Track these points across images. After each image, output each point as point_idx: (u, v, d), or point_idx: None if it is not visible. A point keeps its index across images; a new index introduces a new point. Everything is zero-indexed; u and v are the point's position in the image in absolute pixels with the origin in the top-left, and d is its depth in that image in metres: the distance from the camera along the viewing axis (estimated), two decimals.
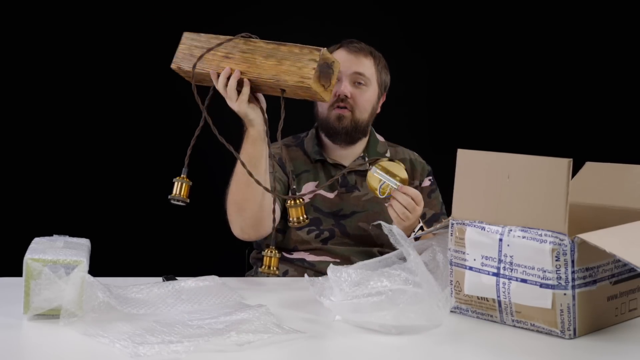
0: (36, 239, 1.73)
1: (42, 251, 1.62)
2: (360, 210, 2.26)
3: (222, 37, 1.95)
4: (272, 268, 1.89)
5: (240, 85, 1.90)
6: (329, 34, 2.33)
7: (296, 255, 2.23)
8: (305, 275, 1.74)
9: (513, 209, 1.61)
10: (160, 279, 1.94)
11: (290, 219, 1.91)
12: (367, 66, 2.27)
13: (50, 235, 1.79)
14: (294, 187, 2.19)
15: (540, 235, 1.56)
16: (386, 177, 1.96)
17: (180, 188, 2.03)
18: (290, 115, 1.93)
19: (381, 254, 1.97)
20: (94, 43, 3.23)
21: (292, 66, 1.87)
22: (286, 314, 1.69)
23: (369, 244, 2.24)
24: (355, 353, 1.50)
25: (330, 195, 2.27)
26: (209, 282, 1.83)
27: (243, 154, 1.97)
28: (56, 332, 1.54)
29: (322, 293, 1.66)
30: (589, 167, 1.90)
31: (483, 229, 1.64)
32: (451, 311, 1.67)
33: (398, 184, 1.95)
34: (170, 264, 2.49)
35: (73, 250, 1.65)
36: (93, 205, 3.25)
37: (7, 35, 3.18)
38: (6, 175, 3.20)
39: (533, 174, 1.59)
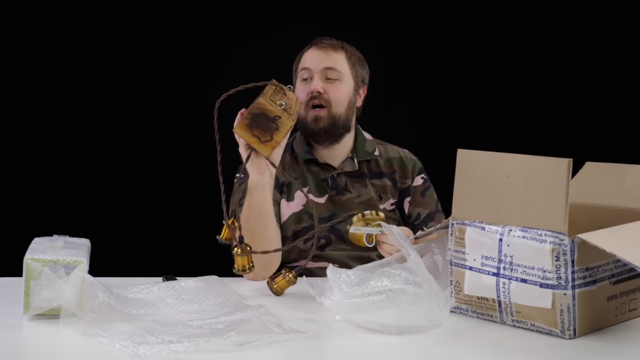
0: (36, 239, 1.73)
1: (42, 251, 1.62)
2: (355, 214, 2.25)
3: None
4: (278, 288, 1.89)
5: None
6: (327, 35, 2.32)
7: (295, 263, 2.22)
8: (304, 277, 1.74)
9: (513, 209, 1.61)
10: (160, 279, 1.94)
11: (235, 267, 1.88)
12: (337, 60, 2.25)
13: (50, 235, 1.79)
14: (284, 196, 2.20)
15: (540, 235, 1.56)
16: (367, 228, 1.91)
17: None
18: None
19: (379, 257, 1.97)
20: (94, 43, 3.23)
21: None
22: (286, 314, 1.69)
23: (366, 248, 2.23)
24: (355, 353, 1.50)
25: (321, 200, 2.25)
26: (209, 282, 1.83)
27: (245, 203, 2.01)
28: (56, 332, 1.54)
29: (322, 293, 1.66)
30: (589, 167, 1.90)
31: (483, 229, 1.64)
32: (451, 311, 1.67)
33: (381, 229, 1.90)
34: (170, 264, 2.49)
35: (73, 250, 1.65)
36: (93, 205, 3.25)
37: (7, 35, 3.18)
38: (6, 175, 3.20)
39: (533, 174, 1.59)
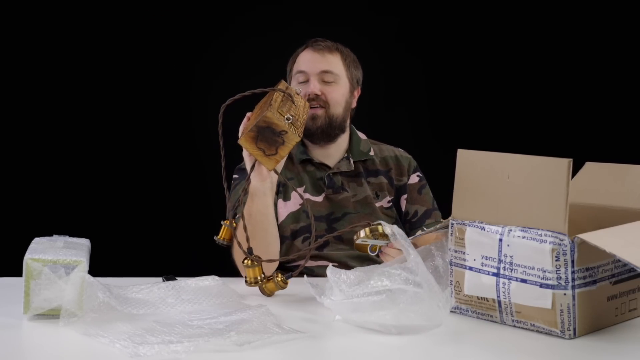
0: (36, 239, 1.73)
1: (42, 251, 1.62)
2: (352, 212, 2.25)
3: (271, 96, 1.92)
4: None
5: None
6: (327, 36, 2.33)
7: (293, 264, 2.23)
8: (305, 276, 1.74)
9: (513, 209, 1.61)
10: (160, 279, 1.94)
11: (247, 279, 1.88)
12: (334, 63, 2.26)
13: (50, 235, 1.79)
14: (280, 197, 2.20)
15: (540, 235, 1.56)
16: (372, 241, 1.92)
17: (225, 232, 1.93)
18: None
19: (379, 257, 1.97)
20: (94, 44, 3.23)
21: (254, 120, 1.87)
22: (286, 314, 1.69)
23: None
24: (355, 353, 1.50)
25: (318, 199, 2.26)
26: (209, 282, 1.83)
27: (245, 208, 2.00)
28: (56, 332, 1.54)
29: (322, 293, 1.66)
30: (589, 167, 1.90)
31: (483, 229, 1.64)
32: (451, 311, 1.67)
33: (387, 241, 1.90)
34: (170, 264, 2.50)
35: (73, 250, 1.65)
36: (93, 205, 3.25)
37: (7, 35, 3.18)
38: (6, 175, 3.20)
39: (533, 174, 1.59)
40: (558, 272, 1.54)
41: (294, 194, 2.23)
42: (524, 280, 1.58)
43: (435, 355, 1.50)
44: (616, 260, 1.60)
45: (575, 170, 1.81)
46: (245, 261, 1.87)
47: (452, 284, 1.71)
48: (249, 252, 1.87)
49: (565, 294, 1.54)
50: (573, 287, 1.54)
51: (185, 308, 1.69)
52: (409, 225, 2.29)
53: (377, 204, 2.27)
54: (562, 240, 1.53)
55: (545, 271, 1.55)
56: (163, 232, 3.28)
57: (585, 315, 1.56)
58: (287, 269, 2.18)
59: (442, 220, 2.27)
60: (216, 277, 1.85)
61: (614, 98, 3.41)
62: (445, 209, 2.33)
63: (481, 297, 1.66)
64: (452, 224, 1.70)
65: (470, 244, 1.66)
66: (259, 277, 1.86)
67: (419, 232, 1.91)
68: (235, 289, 1.82)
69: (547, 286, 1.55)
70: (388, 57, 3.37)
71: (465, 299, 1.69)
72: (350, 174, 2.29)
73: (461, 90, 3.43)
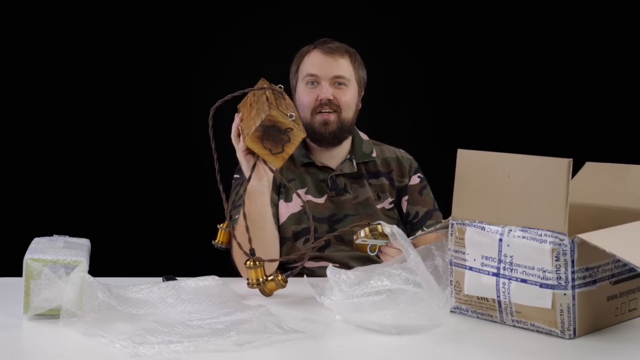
0: (36, 239, 1.73)
1: (42, 251, 1.62)
2: (353, 214, 2.25)
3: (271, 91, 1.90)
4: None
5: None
6: (327, 36, 2.32)
7: (293, 264, 2.22)
8: (305, 277, 1.74)
9: (513, 209, 1.61)
10: (160, 279, 1.94)
11: (249, 281, 1.87)
12: (344, 67, 2.24)
13: (50, 235, 1.79)
14: (282, 199, 2.20)
15: (540, 235, 1.56)
16: (372, 240, 1.92)
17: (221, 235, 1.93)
18: None
19: (378, 256, 1.97)
20: (94, 44, 3.23)
21: (252, 120, 1.87)
22: (286, 314, 1.69)
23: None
24: (355, 353, 1.50)
25: (320, 200, 2.25)
26: (209, 282, 1.83)
27: (244, 208, 1.98)
28: (56, 332, 1.54)
29: (322, 293, 1.66)
30: (589, 167, 1.90)
31: (483, 229, 1.64)
32: (451, 311, 1.67)
33: (387, 241, 1.91)
34: (170, 264, 2.49)
35: (73, 250, 1.65)
36: (93, 205, 3.25)
37: (7, 35, 3.18)
38: (6, 175, 3.20)
39: (533, 174, 1.59)
40: (558, 272, 1.54)
41: (295, 195, 2.23)
42: (524, 280, 1.58)
43: (435, 355, 1.50)
44: (616, 260, 1.60)
45: (575, 170, 1.81)
46: (248, 262, 1.87)
47: (452, 284, 1.71)
48: (251, 253, 1.86)
49: (565, 294, 1.54)
50: (573, 287, 1.54)
51: (185, 308, 1.69)
52: (410, 226, 2.29)
53: (379, 206, 2.27)
54: (562, 240, 1.53)
55: (545, 271, 1.55)
56: (163, 232, 3.27)
57: (585, 315, 1.56)
58: (288, 269, 2.18)
59: (442, 220, 2.27)
60: (216, 277, 1.85)
61: (614, 98, 3.41)
62: (445, 209, 2.34)
63: (481, 297, 1.66)
64: (452, 224, 1.70)
65: (470, 244, 1.66)
66: (261, 279, 1.85)
67: (419, 232, 1.91)
68: (235, 289, 1.82)
69: (547, 286, 1.55)
70: (388, 57, 3.37)
71: (465, 299, 1.69)
72: (352, 176, 2.28)
73: (462, 90, 3.43)
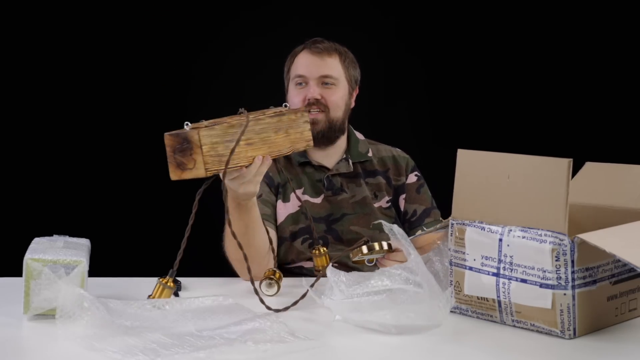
0: (36, 239, 1.73)
1: (42, 251, 1.62)
2: (351, 213, 2.25)
3: (230, 121, 1.75)
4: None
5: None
6: (326, 36, 2.32)
7: (293, 264, 2.22)
8: (302, 279, 1.74)
9: (513, 209, 1.61)
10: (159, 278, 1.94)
11: (318, 268, 1.96)
12: (332, 66, 2.24)
13: (50, 235, 1.79)
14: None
15: (540, 235, 1.56)
16: (369, 255, 1.93)
17: (160, 292, 1.74)
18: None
19: (376, 266, 1.97)
20: (94, 44, 3.23)
21: (296, 133, 1.88)
22: (286, 314, 1.68)
23: None
24: (355, 353, 1.50)
25: (317, 200, 2.26)
26: (214, 301, 1.71)
27: (239, 223, 1.87)
28: (56, 332, 1.54)
29: (322, 293, 1.66)
30: (589, 167, 1.90)
31: (483, 229, 1.64)
32: (451, 311, 1.67)
33: (382, 254, 1.92)
34: (170, 264, 2.49)
35: (73, 250, 1.65)
36: (93, 205, 3.25)
37: (7, 35, 3.18)
38: (6, 175, 3.20)
39: (533, 174, 1.59)
40: (558, 272, 1.54)
41: (293, 196, 2.23)
42: (524, 280, 1.58)
43: (435, 355, 1.50)
44: (616, 260, 1.60)
45: (575, 170, 1.81)
46: (314, 251, 1.95)
47: (452, 284, 1.71)
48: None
49: (565, 294, 1.54)
50: (573, 287, 1.54)
51: (191, 324, 1.58)
52: (409, 224, 2.30)
53: (376, 204, 2.27)
54: (562, 240, 1.53)
55: (545, 271, 1.55)
56: (163, 232, 3.27)
57: (585, 315, 1.56)
58: (285, 270, 2.18)
59: (441, 219, 2.28)
60: (227, 297, 1.72)
61: (614, 98, 3.41)
62: (445, 209, 2.34)
63: (481, 297, 1.66)
64: (452, 224, 1.70)
65: (470, 244, 1.66)
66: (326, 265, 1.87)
67: (419, 232, 1.92)
68: (244, 304, 1.70)
69: (547, 286, 1.55)
70: (388, 57, 3.37)
71: (465, 299, 1.69)
72: (348, 175, 2.28)
73: (461, 90, 3.43)
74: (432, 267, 1.76)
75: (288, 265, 2.21)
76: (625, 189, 1.80)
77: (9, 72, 3.19)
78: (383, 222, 1.72)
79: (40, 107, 3.22)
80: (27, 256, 1.59)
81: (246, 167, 1.78)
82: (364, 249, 1.89)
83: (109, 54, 3.24)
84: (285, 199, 2.24)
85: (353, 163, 2.29)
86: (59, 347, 1.48)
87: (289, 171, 2.27)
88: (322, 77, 2.23)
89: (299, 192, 2.24)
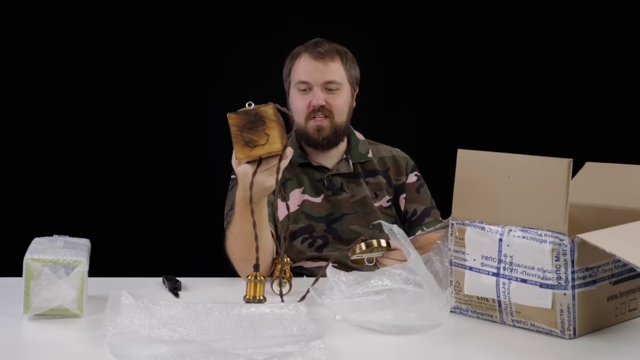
0: (36, 239, 1.73)
1: (42, 251, 1.62)
2: (351, 213, 2.25)
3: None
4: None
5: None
6: (326, 36, 2.32)
7: (294, 264, 2.23)
8: (304, 277, 1.74)
9: (513, 209, 1.61)
10: (160, 279, 1.94)
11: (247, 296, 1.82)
12: (335, 70, 2.22)
13: (50, 235, 1.79)
14: (280, 201, 2.15)
15: (540, 235, 1.56)
16: (367, 255, 1.94)
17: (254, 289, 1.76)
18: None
19: (376, 265, 1.97)
20: (94, 44, 3.23)
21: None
22: None
23: None
24: (355, 353, 1.50)
25: (318, 200, 2.26)
26: (287, 310, 1.63)
27: (248, 223, 1.81)
28: (56, 332, 1.54)
29: (322, 293, 1.66)
30: (589, 167, 1.90)
31: (483, 229, 1.64)
32: (451, 311, 1.67)
33: (381, 253, 1.92)
34: (170, 264, 2.49)
35: (73, 250, 1.65)
36: (93, 205, 3.25)
37: (7, 35, 3.18)
38: (6, 175, 3.20)
39: (533, 174, 1.59)
40: (558, 272, 1.54)
41: (292, 195, 2.23)
42: (524, 280, 1.58)
43: (435, 355, 1.50)
44: (616, 260, 1.60)
45: (575, 170, 1.81)
46: (278, 258, 1.87)
47: (452, 284, 1.71)
48: (256, 268, 1.77)
49: (565, 294, 1.54)
50: (573, 287, 1.54)
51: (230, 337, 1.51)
52: (409, 224, 2.30)
53: (377, 204, 2.27)
54: (562, 240, 1.53)
55: (545, 271, 1.55)
56: (163, 232, 3.27)
57: (585, 315, 1.56)
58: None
59: (441, 219, 2.28)
60: (300, 306, 1.66)
61: (614, 98, 3.41)
62: (445, 209, 2.33)
63: (481, 297, 1.66)
64: (452, 224, 1.70)
65: (470, 244, 1.66)
66: (258, 297, 1.76)
67: (419, 232, 1.92)
68: (307, 315, 1.63)
69: (547, 286, 1.55)
70: (387, 57, 3.37)
71: (465, 299, 1.69)
72: (348, 175, 2.29)
73: (461, 90, 3.43)
74: (432, 267, 1.76)
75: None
76: (625, 189, 1.80)
77: (9, 72, 3.19)
78: (383, 222, 1.72)
79: (40, 107, 3.22)
80: (27, 256, 1.59)
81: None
82: (362, 246, 1.89)
83: (108, 55, 3.24)
84: (285, 199, 2.24)
85: (353, 163, 2.29)
86: (59, 347, 1.48)
87: (289, 170, 2.27)
88: (327, 82, 2.21)
89: (298, 191, 2.24)
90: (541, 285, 1.56)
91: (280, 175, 1.77)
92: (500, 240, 1.61)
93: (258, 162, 1.75)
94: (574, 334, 1.56)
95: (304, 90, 2.22)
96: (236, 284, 1.92)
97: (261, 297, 1.76)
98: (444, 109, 3.44)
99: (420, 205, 2.30)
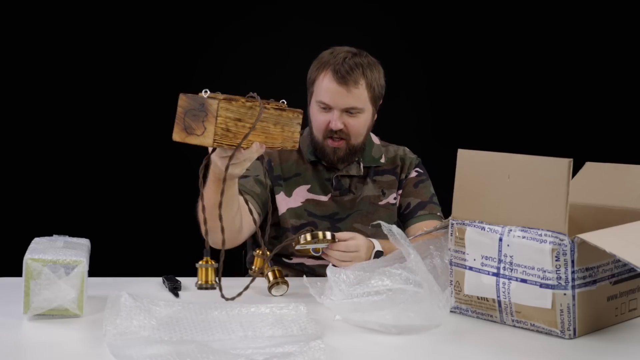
0: (36, 239, 1.73)
1: (42, 251, 1.62)
2: (355, 211, 2.26)
3: (244, 102, 1.75)
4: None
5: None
6: (328, 35, 2.32)
7: (295, 260, 2.23)
8: (304, 277, 1.74)
9: (513, 209, 1.61)
10: (160, 278, 1.94)
11: (254, 267, 1.96)
12: (358, 96, 2.17)
13: (50, 235, 1.79)
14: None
15: (540, 235, 1.56)
16: (313, 245, 1.97)
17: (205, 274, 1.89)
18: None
19: (377, 257, 1.97)
20: (93, 44, 3.23)
21: (289, 132, 1.86)
22: None
23: None
24: (355, 353, 1.50)
25: (324, 199, 2.26)
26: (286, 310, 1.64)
27: (214, 196, 1.89)
28: (56, 332, 1.54)
29: (322, 293, 1.66)
30: (589, 167, 1.90)
31: (483, 229, 1.64)
32: (451, 311, 1.67)
33: (326, 244, 1.96)
34: (170, 264, 2.49)
35: (73, 250, 1.65)
36: (93, 205, 3.25)
37: (7, 35, 3.18)
38: (6, 175, 3.20)
39: (533, 174, 1.59)
40: (558, 272, 1.54)
41: (296, 192, 2.24)
42: (524, 280, 1.58)
43: (435, 355, 1.50)
44: (616, 260, 1.60)
45: (575, 170, 1.81)
46: (257, 250, 1.95)
47: (452, 284, 1.71)
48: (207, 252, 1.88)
49: (565, 294, 1.54)
50: (573, 287, 1.54)
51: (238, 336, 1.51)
52: (402, 218, 2.30)
53: (383, 202, 2.27)
54: (562, 240, 1.53)
55: (545, 271, 1.55)
56: (163, 232, 3.28)
57: (585, 315, 1.56)
58: (284, 263, 2.20)
59: (439, 214, 2.28)
60: (300, 307, 1.66)
61: (614, 98, 3.41)
62: (445, 209, 2.34)
63: (481, 297, 1.66)
64: (452, 224, 1.70)
65: (470, 244, 1.66)
66: (210, 282, 1.86)
67: (419, 233, 1.92)
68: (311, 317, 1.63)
69: (547, 286, 1.55)
70: (389, 56, 3.37)
71: (465, 299, 1.69)
72: (357, 177, 2.29)
73: (462, 90, 3.44)
74: (430, 260, 1.76)
75: (288, 259, 2.22)
76: (625, 189, 1.80)
77: (9, 73, 3.19)
78: (382, 222, 1.72)
79: (40, 107, 3.22)
80: (27, 256, 1.59)
81: (244, 149, 1.79)
82: (308, 236, 1.93)
83: (108, 55, 3.24)
84: (288, 194, 2.24)
85: (364, 167, 2.29)
86: (59, 347, 1.48)
87: (299, 166, 2.26)
88: (347, 108, 2.18)
89: (304, 188, 2.25)
90: (541, 285, 1.56)
91: (234, 161, 1.80)
92: (500, 240, 1.61)
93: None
94: (574, 334, 1.56)
95: (325, 109, 2.19)
96: (235, 282, 1.92)
97: (213, 282, 1.83)
98: (444, 110, 3.44)
99: (415, 199, 2.29)
